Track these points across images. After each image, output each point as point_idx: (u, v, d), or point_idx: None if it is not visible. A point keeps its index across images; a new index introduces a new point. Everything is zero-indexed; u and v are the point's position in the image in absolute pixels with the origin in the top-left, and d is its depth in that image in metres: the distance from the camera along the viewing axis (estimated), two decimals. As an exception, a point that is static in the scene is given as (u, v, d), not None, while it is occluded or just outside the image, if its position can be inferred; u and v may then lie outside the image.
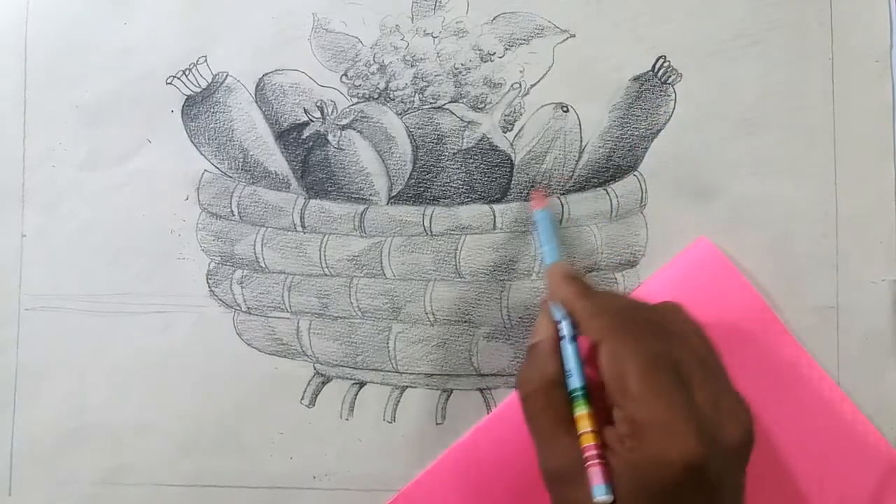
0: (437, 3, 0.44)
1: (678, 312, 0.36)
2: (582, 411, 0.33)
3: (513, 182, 0.44)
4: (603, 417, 0.33)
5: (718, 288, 0.42)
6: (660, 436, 0.31)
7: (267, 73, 0.45)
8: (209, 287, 0.44)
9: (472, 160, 0.44)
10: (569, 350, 0.35)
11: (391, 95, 0.44)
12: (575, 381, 0.34)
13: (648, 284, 0.43)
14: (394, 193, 0.44)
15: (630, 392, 0.32)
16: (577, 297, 0.36)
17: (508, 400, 0.43)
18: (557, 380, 0.34)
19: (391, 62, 0.44)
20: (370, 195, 0.44)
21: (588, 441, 0.32)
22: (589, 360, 0.35)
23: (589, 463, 0.32)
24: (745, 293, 0.42)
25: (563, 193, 0.44)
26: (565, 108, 0.44)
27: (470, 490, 0.42)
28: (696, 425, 0.31)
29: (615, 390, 0.32)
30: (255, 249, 0.44)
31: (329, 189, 0.44)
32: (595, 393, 0.34)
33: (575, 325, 0.36)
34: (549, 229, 0.41)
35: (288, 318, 0.44)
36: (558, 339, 0.36)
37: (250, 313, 0.44)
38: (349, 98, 0.44)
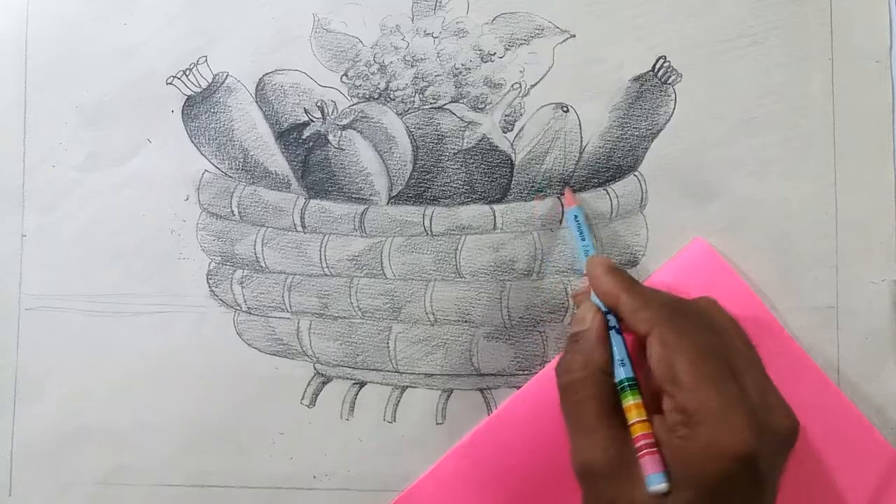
0: (438, 4, 0.44)
1: (716, 306, 0.36)
2: (633, 401, 0.33)
3: (513, 182, 0.44)
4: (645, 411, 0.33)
5: (715, 288, 0.42)
6: (712, 425, 0.31)
7: (267, 73, 0.45)
8: (209, 287, 0.44)
9: (472, 160, 0.44)
10: (617, 340, 0.35)
11: (391, 95, 0.44)
12: (624, 371, 0.34)
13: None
14: (394, 193, 0.44)
15: (681, 381, 0.32)
16: (624, 289, 0.36)
17: (508, 401, 0.43)
18: (606, 368, 0.34)
19: (391, 62, 0.44)
20: (370, 195, 0.44)
21: (641, 430, 0.32)
22: (631, 352, 0.35)
23: (644, 451, 0.31)
24: (741, 293, 0.42)
25: (564, 194, 0.44)
26: (565, 109, 0.44)
27: (470, 493, 0.42)
28: (748, 415, 0.31)
29: (666, 380, 0.32)
30: (255, 249, 0.44)
31: (329, 189, 0.44)
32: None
33: (618, 318, 0.36)
34: (584, 225, 0.41)
35: (288, 318, 0.44)
36: (606, 328, 0.36)
37: (250, 313, 0.44)
38: (349, 98, 0.44)
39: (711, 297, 0.36)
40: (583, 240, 0.41)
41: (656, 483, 0.30)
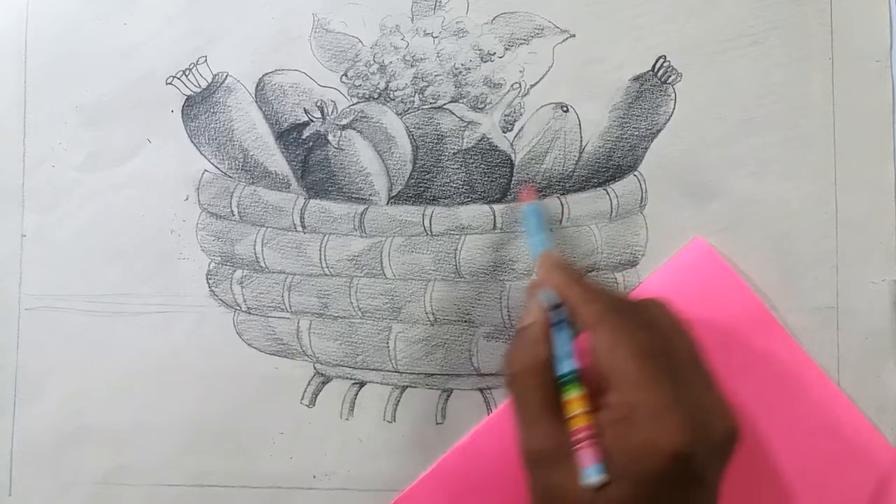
0: (437, 4, 0.44)
1: (664, 308, 0.36)
2: (574, 394, 0.33)
3: (513, 182, 0.44)
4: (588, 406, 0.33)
5: (715, 288, 0.42)
6: (651, 422, 0.31)
7: (267, 73, 0.45)
8: (209, 287, 0.44)
9: (472, 160, 0.44)
10: (562, 335, 0.35)
11: (391, 95, 0.44)
12: (568, 365, 0.34)
13: (645, 286, 0.43)
14: (394, 193, 0.44)
15: (624, 377, 0.32)
16: (572, 283, 0.36)
17: (509, 401, 0.43)
18: (548, 362, 0.35)
19: (391, 62, 0.44)
20: (370, 195, 0.44)
21: (580, 423, 0.32)
22: (577, 348, 0.35)
23: (580, 444, 0.32)
24: (741, 293, 0.42)
25: (563, 193, 0.44)
26: (565, 108, 0.44)
27: (470, 493, 0.42)
28: (687, 416, 0.31)
29: (609, 374, 0.33)
30: (255, 249, 0.44)
31: (329, 189, 0.44)
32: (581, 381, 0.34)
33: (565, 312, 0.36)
34: (538, 221, 0.41)
35: (288, 318, 0.44)
36: (549, 323, 0.36)
37: (250, 313, 0.44)
38: (349, 98, 0.44)
39: (662, 299, 0.37)
40: (536, 234, 0.41)
41: (592, 475, 0.31)
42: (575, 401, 0.33)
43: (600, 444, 0.32)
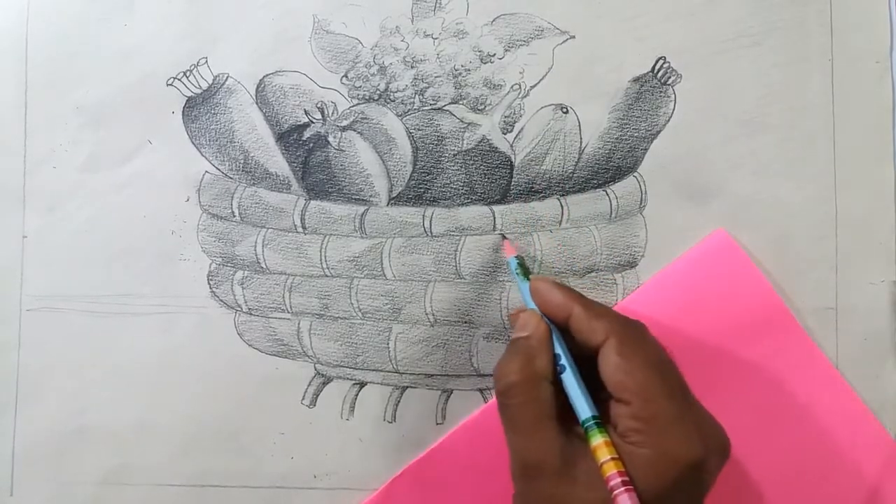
0: (437, 5, 0.44)
1: (647, 330, 0.36)
2: (601, 439, 0.32)
3: (512, 183, 0.44)
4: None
5: (734, 280, 0.42)
6: (668, 433, 0.32)
7: (267, 75, 0.45)
8: (210, 288, 0.44)
9: (472, 161, 0.44)
10: (572, 379, 0.35)
11: (391, 97, 0.44)
12: (589, 410, 0.34)
13: (664, 274, 0.43)
14: (394, 194, 0.44)
15: (638, 390, 0.32)
16: (576, 301, 0.36)
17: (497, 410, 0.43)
18: (546, 375, 0.35)
19: (391, 63, 0.44)
20: (370, 196, 0.44)
21: (615, 468, 0.31)
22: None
23: (618, 490, 0.31)
24: (759, 286, 0.42)
25: (563, 195, 0.44)
26: (565, 110, 0.44)
27: (464, 479, 0.42)
28: (698, 426, 0.32)
29: (621, 388, 0.33)
30: (255, 250, 0.44)
31: (329, 190, 0.44)
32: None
33: (567, 330, 0.36)
34: (526, 271, 0.40)
35: (289, 319, 0.44)
36: (549, 334, 0.36)
37: (251, 314, 0.44)
38: (349, 99, 0.44)
39: (641, 322, 0.36)
40: (526, 282, 0.39)
41: None
42: (603, 446, 0.32)
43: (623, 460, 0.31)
